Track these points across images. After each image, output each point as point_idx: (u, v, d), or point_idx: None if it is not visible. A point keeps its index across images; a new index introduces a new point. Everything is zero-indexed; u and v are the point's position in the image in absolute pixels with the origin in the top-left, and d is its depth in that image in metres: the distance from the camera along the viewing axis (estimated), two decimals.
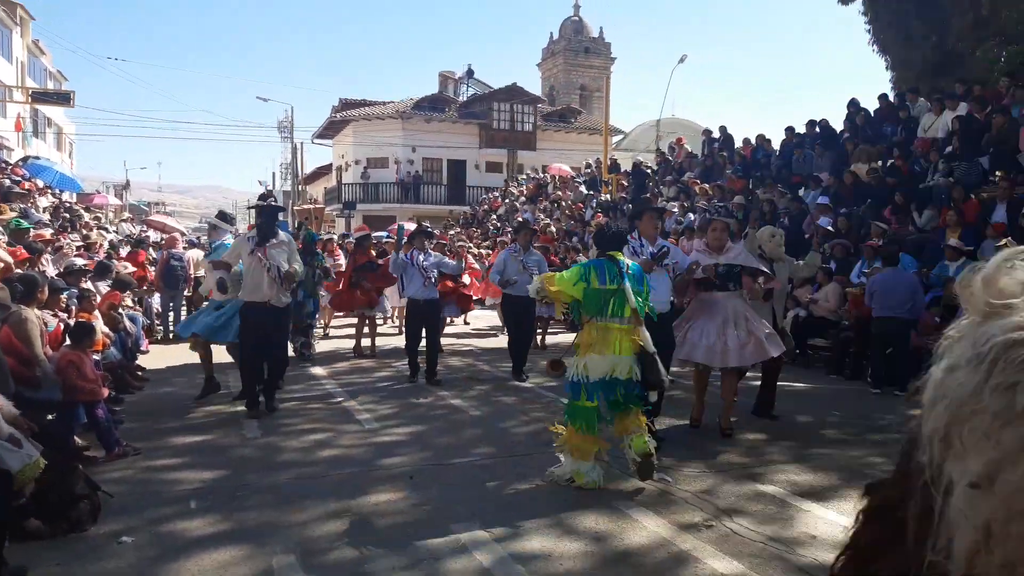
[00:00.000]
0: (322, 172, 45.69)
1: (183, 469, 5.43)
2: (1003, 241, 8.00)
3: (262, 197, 7.75)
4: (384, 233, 22.31)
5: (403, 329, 10.14)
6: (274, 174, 54.61)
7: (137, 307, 11.49)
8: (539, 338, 12.61)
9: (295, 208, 32.84)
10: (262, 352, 7.01)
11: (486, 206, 30.97)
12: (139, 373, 8.67)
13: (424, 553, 3.90)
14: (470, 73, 41.69)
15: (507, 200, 29.17)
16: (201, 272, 11.46)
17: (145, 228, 23.31)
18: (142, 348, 9.71)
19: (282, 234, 7.27)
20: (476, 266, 14.84)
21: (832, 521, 4.38)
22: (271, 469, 5.40)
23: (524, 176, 32.51)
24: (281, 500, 4.71)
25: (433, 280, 8.79)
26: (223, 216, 9.10)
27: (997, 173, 10.62)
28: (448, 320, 13.45)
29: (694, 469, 5.44)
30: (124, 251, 15.11)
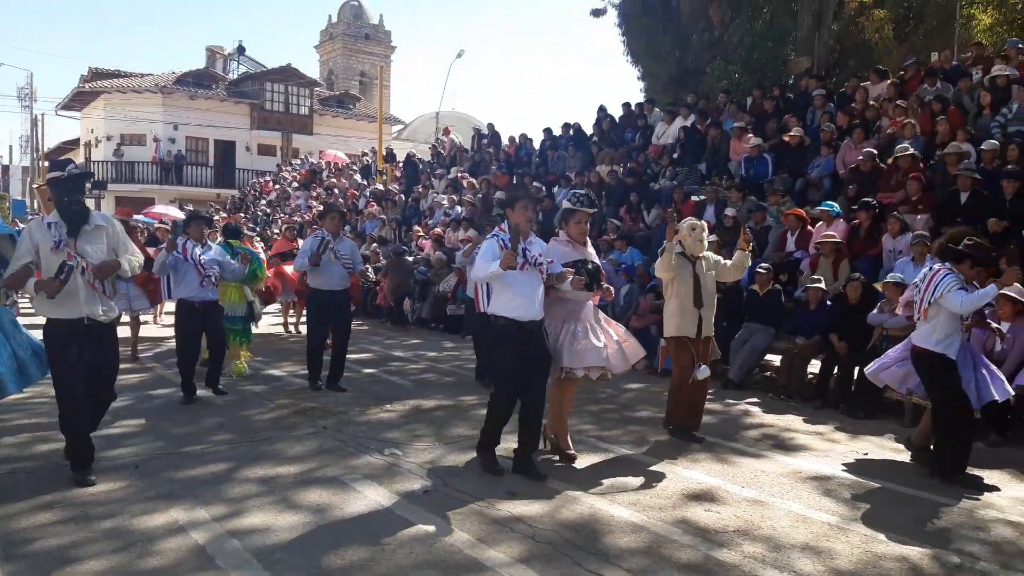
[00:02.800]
0: (68, 147, 41.15)
1: None
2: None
3: (58, 166, 4.86)
4: (142, 216, 20.77)
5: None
6: (11, 148, 48.32)
7: None
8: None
9: (34, 187, 29.44)
10: (92, 390, 4.82)
11: (256, 190, 29.78)
12: None
13: (138, 536, 3.92)
14: (241, 50, 39.69)
15: (279, 185, 28.27)
16: None
17: None
18: None
19: (97, 215, 4.88)
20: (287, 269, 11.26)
21: (533, 480, 4.99)
22: None
23: (299, 161, 31.66)
24: None
25: (213, 279, 7.18)
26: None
27: (714, 178, 12.28)
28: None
29: (425, 443, 5.87)
30: None
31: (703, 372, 6.01)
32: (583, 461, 5.51)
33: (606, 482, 5.04)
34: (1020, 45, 10.73)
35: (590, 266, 5.26)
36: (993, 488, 5.07)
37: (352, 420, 6.60)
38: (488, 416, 5.16)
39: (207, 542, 3.89)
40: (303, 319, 11.94)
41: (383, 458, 5.42)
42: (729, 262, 6.32)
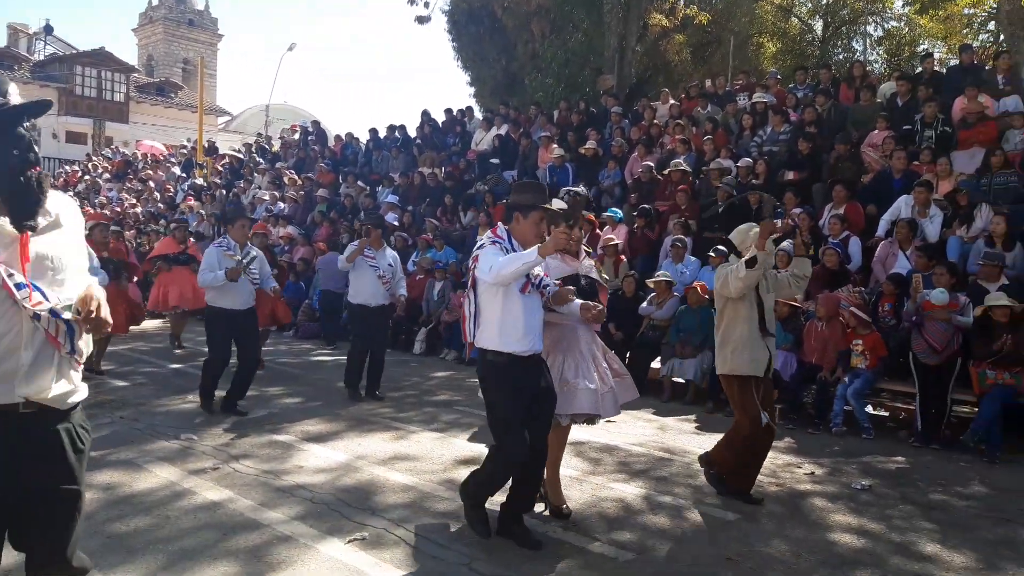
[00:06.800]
0: None
1: None
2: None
3: None
4: None
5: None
6: None
7: None
8: None
9: None
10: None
11: (63, 180, 27.80)
12: None
13: None
14: (48, 29, 36.77)
15: (88, 176, 26.57)
16: None
17: None
18: None
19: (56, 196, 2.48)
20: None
21: (322, 455, 5.51)
22: None
23: (110, 151, 29.85)
24: None
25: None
26: None
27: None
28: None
29: (220, 427, 6.21)
30: None
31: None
32: (376, 438, 6.08)
33: (390, 454, 5.64)
34: (778, 76, 12.49)
35: (583, 282, 4.33)
36: None
37: (150, 411, 6.78)
38: (490, 471, 4.03)
39: None
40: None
41: (178, 442, 5.71)
42: (784, 273, 5.03)
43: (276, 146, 22.36)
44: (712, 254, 9.10)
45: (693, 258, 9.44)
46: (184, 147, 26.39)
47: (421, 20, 18.59)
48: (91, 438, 2.41)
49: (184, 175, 22.98)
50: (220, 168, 21.97)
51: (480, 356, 4.02)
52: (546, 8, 20.24)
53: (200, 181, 21.09)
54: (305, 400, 7.50)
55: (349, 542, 3.96)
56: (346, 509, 4.42)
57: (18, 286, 2.09)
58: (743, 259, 4.53)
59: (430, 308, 11.22)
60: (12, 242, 2.12)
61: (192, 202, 18.98)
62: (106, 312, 2.26)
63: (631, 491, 4.97)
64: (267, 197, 17.37)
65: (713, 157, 10.85)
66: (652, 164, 11.16)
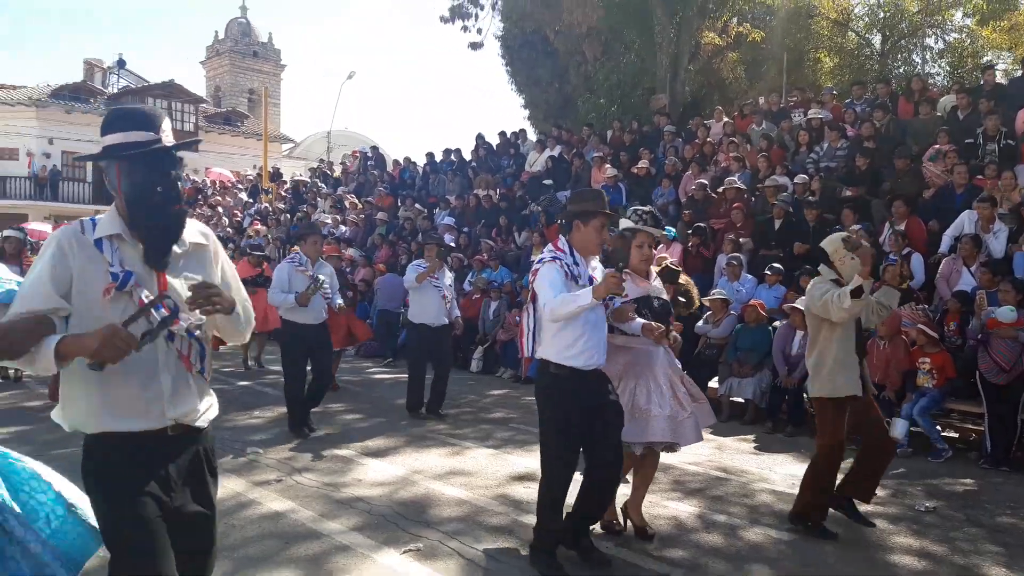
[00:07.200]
0: None
1: None
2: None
3: (128, 120, 2.27)
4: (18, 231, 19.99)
5: None
6: None
7: None
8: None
9: None
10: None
11: None
12: None
13: None
14: (121, 63, 38.56)
15: None
16: None
17: None
18: None
19: (194, 225, 2.46)
20: None
21: (380, 469, 5.66)
22: None
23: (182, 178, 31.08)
24: None
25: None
26: None
27: None
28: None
29: (284, 442, 6.43)
30: None
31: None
32: (432, 454, 6.21)
33: (446, 469, 5.76)
34: (834, 92, 12.34)
35: (656, 304, 4.19)
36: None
37: (219, 426, 7.01)
38: (541, 501, 3.87)
39: None
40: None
41: (244, 456, 5.94)
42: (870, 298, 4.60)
43: (337, 171, 23.01)
44: (768, 272, 9.03)
45: (749, 276, 9.37)
46: (248, 174, 27.33)
47: (474, 46, 18.98)
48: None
49: (251, 200, 23.80)
50: (284, 193, 22.68)
51: (540, 369, 3.91)
52: (597, 31, 20.42)
53: (266, 206, 21.80)
54: (365, 416, 7.69)
55: (404, 552, 4.07)
56: (402, 521, 4.54)
57: (155, 307, 2.13)
58: (848, 288, 4.27)
59: (486, 327, 11.37)
60: (149, 273, 2.21)
61: (259, 226, 19.64)
62: (220, 292, 2.24)
63: (685, 509, 4.96)
64: (329, 220, 17.85)
65: (768, 174, 10.77)
66: (706, 182, 11.13)
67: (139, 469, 2.18)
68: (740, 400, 8.12)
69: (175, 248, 2.25)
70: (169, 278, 2.23)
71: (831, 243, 4.68)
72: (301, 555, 4.01)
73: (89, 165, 34.92)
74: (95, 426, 2.18)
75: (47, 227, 21.43)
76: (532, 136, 18.40)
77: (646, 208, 4.45)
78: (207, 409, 2.36)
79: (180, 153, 2.27)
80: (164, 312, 2.14)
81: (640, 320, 4.00)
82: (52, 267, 2.12)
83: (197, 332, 2.27)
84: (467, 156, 17.61)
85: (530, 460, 6.06)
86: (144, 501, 2.15)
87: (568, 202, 4.17)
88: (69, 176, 34.29)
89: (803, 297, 8.00)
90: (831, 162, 10.80)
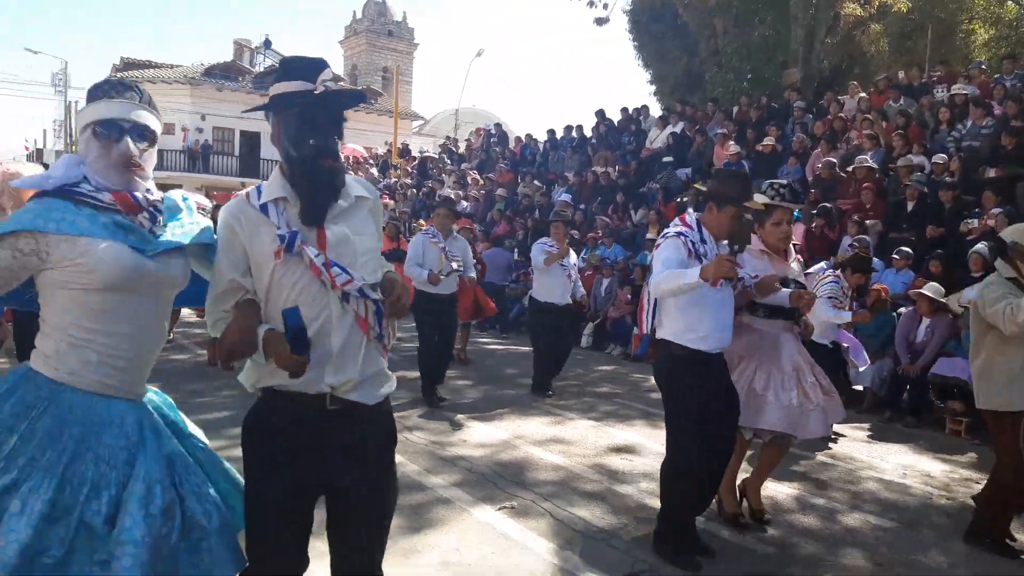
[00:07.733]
0: None
1: None
2: None
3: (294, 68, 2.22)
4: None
5: None
6: (45, 131, 49.97)
7: None
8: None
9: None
10: None
11: None
12: None
13: None
14: (267, 44, 40.86)
15: None
16: None
17: None
18: None
19: (353, 180, 2.29)
20: None
21: (484, 432, 5.93)
22: None
23: None
24: None
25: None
26: None
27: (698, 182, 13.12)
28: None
29: (398, 403, 6.82)
30: None
31: None
32: (535, 421, 6.42)
33: (546, 436, 5.95)
34: (983, 66, 11.44)
35: (792, 287, 3.89)
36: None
37: None
38: (667, 492, 3.72)
39: None
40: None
41: None
42: None
43: (462, 148, 23.56)
44: (896, 256, 8.59)
45: (877, 259, 8.93)
46: (380, 151, 28.42)
47: (600, 21, 18.78)
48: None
49: (381, 176, 24.80)
50: (410, 169, 23.48)
51: (660, 349, 3.70)
52: (729, 3, 19.73)
53: (394, 181, 22.68)
54: (475, 384, 8.02)
55: (499, 509, 4.30)
56: (500, 481, 4.77)
57: (325, 266, 2.03)
58: None
59: (597, 303, 11.45)
60: (310, 231, 2.07)
61: (387, 200, 20.48)
62: (407, 299, 2.16)
63: (784, 490, 4.92)
64: (452, 196, 18.36)
65: (903, 153, 10.18)
66: (835, 160, 10.66)
67: (290, 441, 2.08)
68: (859, 388, 7.84)
69: (340, 202, 2.12)
70: (331, 229, 2.09)
71: (1016, 233, 3.89)
72: (405, 504, 4.31)
73: (237, 139, 37.52)
74: (263, 381, 2.11)
75: (199, 197, 23.28)
76: (656, 112, 18.13)
77: (783, 182, 4.07)
78: (380, 382, 2.19)
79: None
80: (338, 271, 2.03)
81: (786, 289, 3.78)
82: (223, 251, 2.11)
83: (373, 293, 2.10)
84: (588, 133, 17.59)
85: (630, 433, 6.15)
86: (276, 480, 2.06)
87: (712, 179, 3.87)
88: (219, 150, 36.91)
89: (932, 284, 7.67)
90: (974, 141, 10.07)
